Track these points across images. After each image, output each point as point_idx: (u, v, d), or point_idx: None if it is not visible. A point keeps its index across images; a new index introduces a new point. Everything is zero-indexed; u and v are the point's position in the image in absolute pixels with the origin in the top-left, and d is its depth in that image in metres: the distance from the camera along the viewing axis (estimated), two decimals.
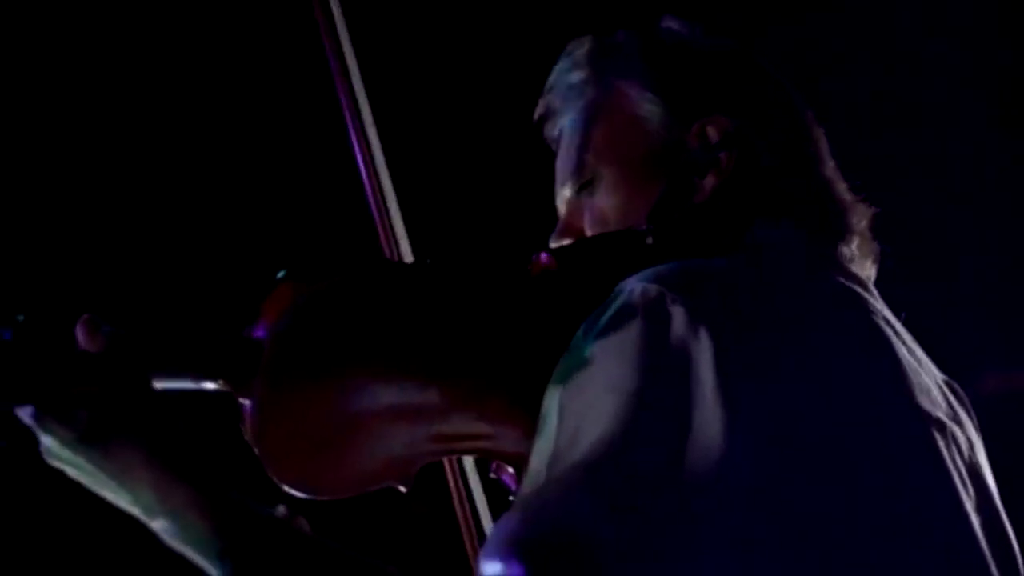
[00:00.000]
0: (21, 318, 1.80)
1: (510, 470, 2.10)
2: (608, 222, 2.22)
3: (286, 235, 4.30)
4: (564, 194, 2.29)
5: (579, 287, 2.08)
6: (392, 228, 2.44)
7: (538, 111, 2.35)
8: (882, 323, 2.03)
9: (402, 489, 2.08)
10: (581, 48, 2.31)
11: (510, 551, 1.73)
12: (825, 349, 1.92)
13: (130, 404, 1.85)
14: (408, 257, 2.46)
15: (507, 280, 2.14)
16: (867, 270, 2.22)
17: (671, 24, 2.31)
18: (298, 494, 2.01)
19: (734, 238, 2.14)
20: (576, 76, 2.30)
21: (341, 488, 2.04)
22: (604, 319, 1.87)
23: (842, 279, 2.09)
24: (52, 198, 4.32)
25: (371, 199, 2.46)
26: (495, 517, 2.46)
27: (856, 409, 1.89)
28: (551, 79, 2.34)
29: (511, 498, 2.09)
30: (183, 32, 4.34)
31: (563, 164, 2.30)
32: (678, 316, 1.83)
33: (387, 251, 2.45)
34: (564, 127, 2.32)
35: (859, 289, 2.08)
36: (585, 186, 2.26)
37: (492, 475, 2.16)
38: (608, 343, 1.85)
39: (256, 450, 1.99)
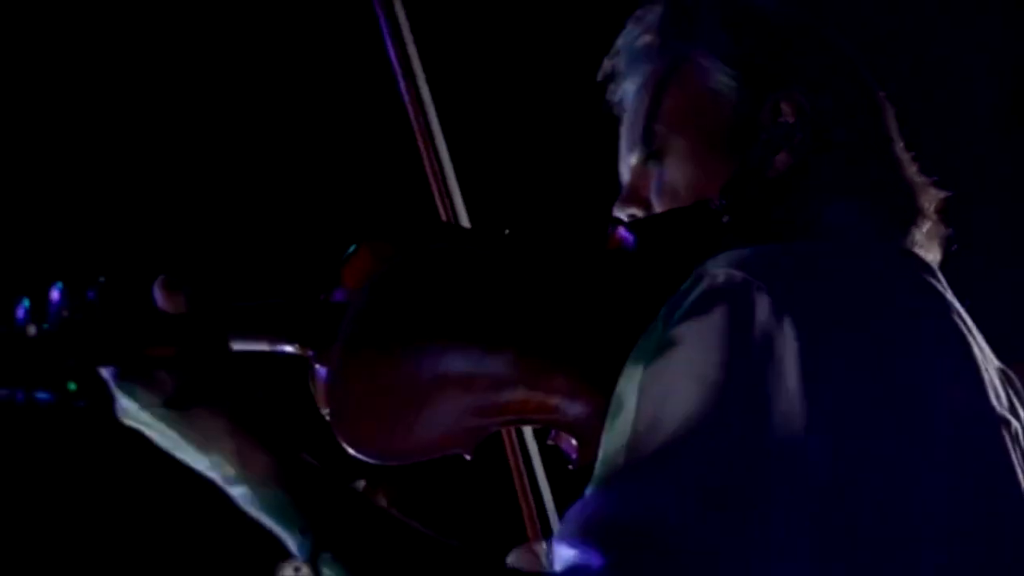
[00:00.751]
0: (103, 279, 1.79)
1: (572, 441, 2.10)
2: (677, 194, 2.21)
3: (349, 201, 4.32)
4: (630, 161, 2.27)
5: (656, 263, 2.08)
6: (451, 198, 2.43)
7: (602, 72, 2.32)
8: (956, 317, 2.02)
9: (467, 457, 2.09)
10: (652, 13, 2.28)
11: (589, 537, 1.75)
12: (907, 345, 1.92)
13: (212, 368, 1.84)
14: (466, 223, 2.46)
15: (584, 253, 2.13)
16: (933, 253, 2.21)
17: None
18: (365, 459, 2.01)
19: (810, 219, 2.13)
20: (645, 40, 2.27)
21: (409, 454, 2.04)
22: (688, 304, 1.85)
23: (918, 269, 2.08)
24: (129, 166, 4.36)
25: (428, 168, 2.45)
26: (552, 485, 2.46)
27: (935, 408, 1.90)
28: (619, 42, 2.30)
29: (570, 466, 2.10)
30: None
31: (630, 131, 2.28)
32: (763, 305, 1.82)
33: (444, 217, 2.45)
34: (629, 92, 2.29)
35: (933, 280, 2.07)
36: (653, 155, 2.23)
37: (551, 442, 2.15)
38: (691, 329, 1.83)
39: (328, 415, 1.99)
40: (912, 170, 2.22)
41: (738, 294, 1.83)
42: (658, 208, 2.23)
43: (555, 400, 2.05)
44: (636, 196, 2.25)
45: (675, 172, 2.21)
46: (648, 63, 2.26)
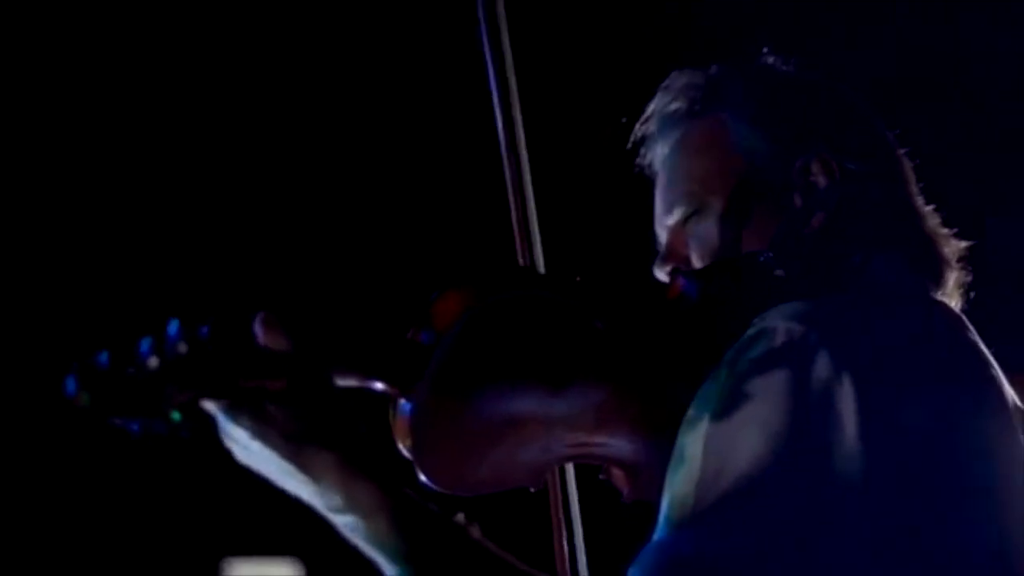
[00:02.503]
0: (213, 318, 1.87)
1: (625, 477, 2.20)
2: (715, 251, 2.30)
3: (428, 240, 4.37)
4: (667, 222, 2.36)
5: (716, 312, 2.17)
6: (532, 244, 2.49)
7: (633, 137, 2.42)
8: (983, 354, 2.13)
9: (532, 489, 2.19)
10: (681, 80, 2.37)
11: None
12: (956, 390, 2.02)
13: (321, 401, 1.91)
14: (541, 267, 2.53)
15: (648, 302, 2.24)
16: (956, 300, 2.31)
17: (769, 58, 2.38)
18: (438, 489, 2.09)
19: (855, 271, 2.23)
20: (676, 106, 2.37)
21: (480, 487, 2.13)
22: (751, 356, 1.96)
23: (956, 319, 2.18)
24: (215, 205, 4.42)
25: (513, 211, 2.50)
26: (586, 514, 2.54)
27: (984, 461, 2.00)
28: (650, 108, 2.40)
29: (623, 500, 2.20)
30: (345, 32, 4.42)
31: (665, 193, 2.37)
32: (822, 359, 1.92)
33: (522, 260, 2.51)
34: (661, 156, 2.39)
35: (967, 330, 2.16)
36: (691, 215, 2.32)
37: (602, 476, 2.25)
38: (755, 381, 1.94)
39: (407, 449, 2.08)
40: (934, 222, 2.32)
41: (798, 349, 1.93)
42: (697, 265, 2.32)
43: (616, 440, 2.15)
44: (675, 255, 2.35)
45: (712, 230, 2.30)
46: (679, 127, 2.36)
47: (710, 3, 4.38)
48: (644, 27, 4.49)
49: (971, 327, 2.17)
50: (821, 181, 2.26)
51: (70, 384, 1.79)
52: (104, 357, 1.80)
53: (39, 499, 4.52)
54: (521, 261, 2.51)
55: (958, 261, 2.32)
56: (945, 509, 1.94)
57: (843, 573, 1.88)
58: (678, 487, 1.94)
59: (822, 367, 1.91)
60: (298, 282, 4.44)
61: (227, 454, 1.93)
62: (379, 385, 2.06)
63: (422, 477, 2.08)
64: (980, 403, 2.04)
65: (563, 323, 2.14)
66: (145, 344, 1.81)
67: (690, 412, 1.99)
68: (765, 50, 2.39)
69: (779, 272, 2.20)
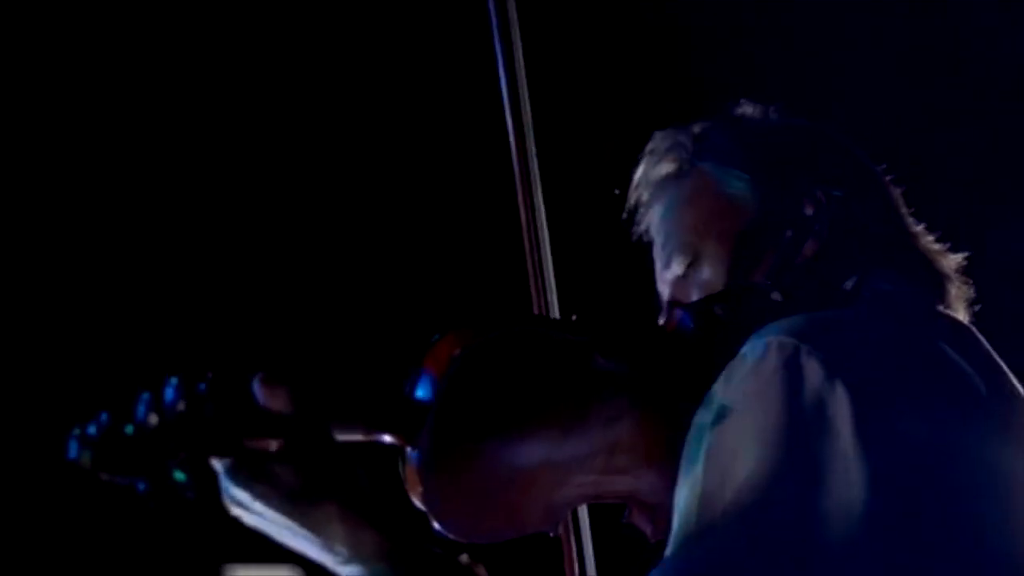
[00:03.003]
0: (210, 374, 1.87)
1: (647, 517, 2.21)
2: (716, 291, 2.33)
3: (438, 285, 4.37)
4: (667, 277, 2.40)
5: (715, 340, 2.18)
6: (545, 285, 2.49)
7: (627, 207, 2.48)
8: (994, 364, 2.14)
9: (551, 534, 2.18)
10: (666, 142, 2.45)
11: None
12: (955, 397, 2.03)
13: (320, 458, 1.90)
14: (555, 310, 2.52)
15: (646, 337, 2.26)
16: (961, 313, 2.34)
17: (746, 107, 2.46)
18: (453, 538, 2.09)
19: (853, 288, 2.27)
20: (666, 170, 2.44)
21: (497, 534, 2.13)
22: (744, 370, 1.99)
23: (960, 329, 2.20)
24: (208, 257, 4.44)
25: (528, 252, 2.51)
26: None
27: (985, 463, 2.00)
28: (637, 176, 2.47)
29: (649, 542, 2.20)
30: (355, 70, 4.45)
31: (664, 250, 2.42)
32: (814, 369, 1.95)
33: (536, 305, 2.51)
34: (656, 219, 2.44)
35: (972, 338, 2.18)
36: (690, 265, 2.37)
37: (625, 521, 2.25)
38: (749, 396, 1.97)
39: (419, 500, 2.07)
40: (927, 239, 2.39)
41: (790, 360, 1.96)
42: None
43: (632, 476, 2.17)
44: (679, 304, 2.38)
45: (712, 272, 2.35)
46: (670, 187, 2.44)
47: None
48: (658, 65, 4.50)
49: (980, 338, 2.19)
50: (809, 212, 2.32)
51: (71, 446, 1.80)
52: (104, 417, 1.81)
53: (39, 503, 4.52)
54: (536, 308, 2.50)
55: (958, 274, 2.36)
56: (947, 515, 1.94)
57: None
58: (684, 504, 1.97)
59: (814, 377, 1.94)
60: (303, 325, 4.44)
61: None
62: (386, 438, 2.06)
63: (436, 526, 2.07)
64: (983, 413, 2.04)
65: (562, 359, 2.15)
66: (143, 402, 1.82)
67: (691, 432, 2.01)
68: (741, 100, 2.47)
69: (775, 296, 2.25)
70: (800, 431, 1.92)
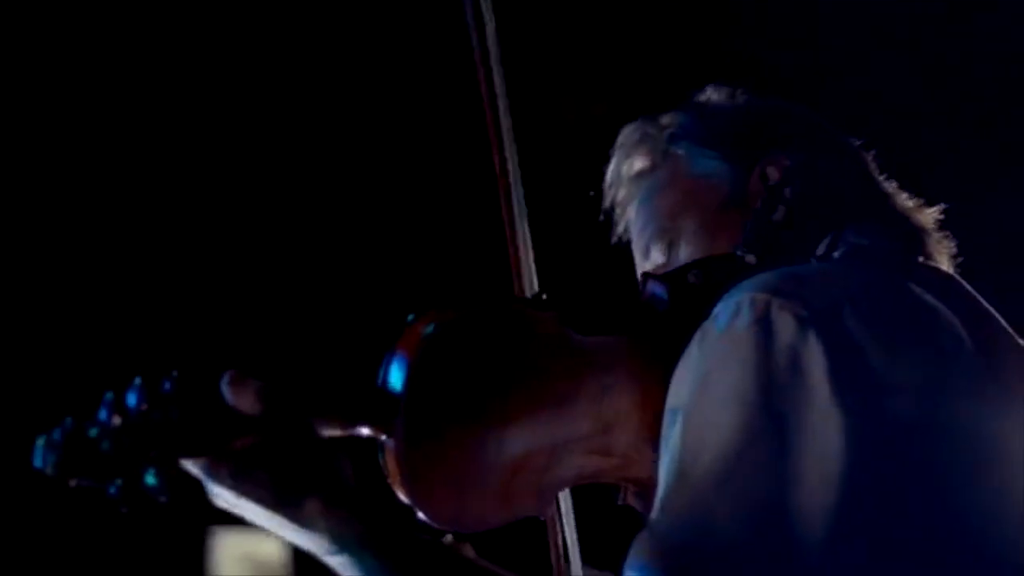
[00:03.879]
0: (175, 373, 1.85)
1: (642, 497, 2.17)
2: None
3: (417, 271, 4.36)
4: (648, 267, 2.42)
5: (690, 307, 2.14)
6: (524, 266, 2.47)
7: (605, 205, 2.52)
8: (982, 312, 2.13)
9: (541, 518, 2.16)
10: (633, 135, 2.50)
11: (651, 561, 1.86)
12: (932, 342, 2.02)
13: (298, 454, 1.90)
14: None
15: (620, 309, 2.23)
16: (945, 266, 2.34)
17: (711, 92, 2.51)
18: (441, 527, 2.06)
19: (830, 244, 2.28)
20: (636, 164, 2.48)
21: (486, 521, 2.09)
22: (716, 330, 1.98)
23: (939, 276, 2.22)
24: (177, 257, 4.43)
25: (509, 239, 2.49)
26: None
27: (965, 409, 1.98)
28: (610, 173, 2.52)
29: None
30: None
31: (642, 240, 2.45)
32: (786, 322, 1.93)
33: (516, 286, 2.48)
34: (633, 214, 2.48)
35: (952, 285, 2.19)
36: (670, 249, 2.40)
37: (620, 502, 2.23)
38: (723, 354, 1.95)
39: (398, 488, 2.05)
40: (902, 197, 2.41)
41: (762, 315, 1.95)
42: None
43: (620, 453, 2.14)
44: (651, 275, 2.36)
45: (689, 248, 2.39)
46: (644, 180, 2.48)
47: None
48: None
49: (966, 287, 2.19)
50: (776, 178, 2.35)
51: (37, 453, 1.78)
52: (68, 421, 1.79)
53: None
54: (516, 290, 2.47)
55: (936, 227, 2.38)
56: (928, 465, 1.93)
57: (826, 533, 1.87)
58: (664, 472, 1.95)
59: (786, 330, 1.93)
60: (279, 318, 4.43)
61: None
62: (363, 430, 2.03)
63: (420, 516, 2.05)
64: (964, 358, 2.02)
65: (534, 336, 2.13)
66: (106, 404, 1.80)
67: (669, 396, 2.00)
68: (708, 85, 2.52)
69: (749, 259, 2.25)
70: (774, 388, 1.90)
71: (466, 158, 2.64)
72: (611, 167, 2.51)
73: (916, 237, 2.36)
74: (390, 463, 2.04)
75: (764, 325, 1.93)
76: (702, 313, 2.04)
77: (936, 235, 2.38)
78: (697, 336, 2.00)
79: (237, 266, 4.53)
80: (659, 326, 2.19)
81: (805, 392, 1.89)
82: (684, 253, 2.37)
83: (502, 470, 2.07)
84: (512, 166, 2.48)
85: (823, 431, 1.88)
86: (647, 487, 2.14)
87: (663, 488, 1.93)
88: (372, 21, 4.44)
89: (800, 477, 1.87)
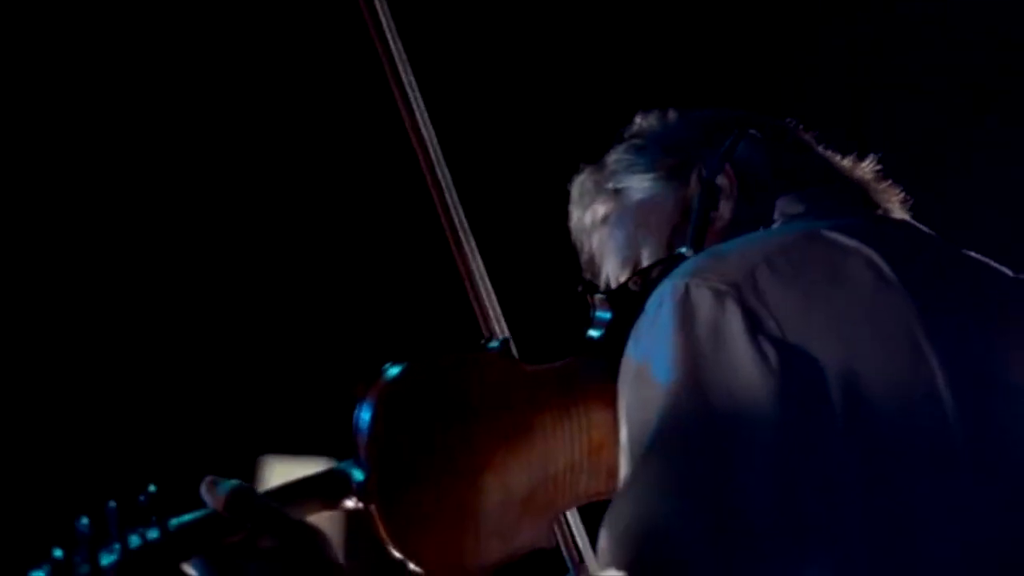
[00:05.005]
0: (153, 488, 1.92)
1: None
2: None
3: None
4: (616, 283, 2.51)
5: (634, 313, 2.15)
6: (487, 300, 2.47)
7: (583, 259, 2.61)
8: (920, 247, 2.22)
9: (547, 547, 2.20)
10: (579, 188, 2.61)
11: (612, 544, 1.93)
12: (845, 281, 2.07)
13: (286, 542, 1.96)
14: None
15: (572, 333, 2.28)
16: (898, 212, 2.45)
17: (642, 120, 2.59)
18: None
19: (766, 223, 2.37)
20: (599, 211, 2.57)
21: (491, 565, 2.12)
22: (643, 319, 2.07)
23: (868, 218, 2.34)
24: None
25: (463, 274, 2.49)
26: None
27: (882, 353, 2.02)
28: (576, 228, 2.62)
29: None
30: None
31: (614, 275, 2.53)
32: (704, 298, 2.01)
33: (483, 326, 2.48)
34: (600, 259, 2.58)
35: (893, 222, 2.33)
36: (632, 269, 2.49)
37: None
38: (650, 338, 2.04)
39: (397, 551, 2.07)
40: (838, 159, 2.51)
41: (682, 298, 2.03)
42: None
43: (615, 473, 2.14)
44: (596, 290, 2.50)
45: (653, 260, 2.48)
46: (602, 226, 2.57)
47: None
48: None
49: (907, 229, 2.29)
50: (716, 178, 2.42)
51: None
52: (58, 554, 1.85)
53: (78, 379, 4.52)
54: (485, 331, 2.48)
55: (877, 176, 2.47)
56: (853, 400, 1.97)
57: (770, 491, 1.92)
58: (622, 463, 2.02)
59: (705, 305, 2.00)
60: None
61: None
62: (347, 504, 2.07)
63: (413, 567, 2.07)
64: (890, 295, 2.06)
65: (483, 375, 2.17)
66: (84, 541, 1.85)
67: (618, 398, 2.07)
68: (638, 113, 2.61)
69: (688, 254, 2.34)
70: (701, 361, 1.97)
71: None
72: (574, 222, 2.61)
73: (855, 192, 2.43)
74: (378, 529, 2.06)
75: (684, 305, 2.01)
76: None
77: (879, 186, 2.46)
78: (632, 333, 2.07)
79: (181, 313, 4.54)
80: (607, 338, 2.26)
81: (726, 354, 1.97)
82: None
83: (497, 511, 2.11)
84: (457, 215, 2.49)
85: (753, 393, 1.94)
86: None
87: (625, 477, 2.00)
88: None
89: (737, 439, 1.92)
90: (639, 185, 2.51)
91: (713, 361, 1.96)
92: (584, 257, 2.60)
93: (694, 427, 1.95)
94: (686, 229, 2.41)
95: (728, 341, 1.97)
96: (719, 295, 2.00)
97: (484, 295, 2.47)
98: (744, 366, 1.95)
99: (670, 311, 2.01)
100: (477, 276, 2.46)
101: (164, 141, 4.47)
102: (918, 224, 2.33)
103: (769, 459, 1.92)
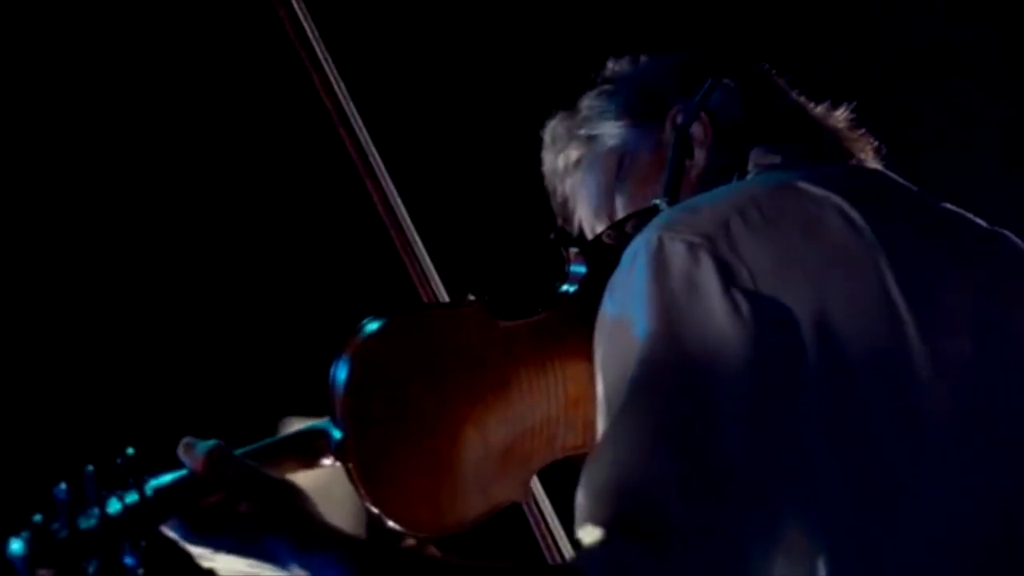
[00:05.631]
0: (131, 451, 1.94)
1: None
2: None
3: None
4: (594, 229, 2.51)
5: (608, 267, 2.15)
6: (429, 280, 2.45)
7: (555, 203, 2.60)
8: (890, 194, 2.23)
9: (523, 503, 2.22)
10: (552, 133, 2.60)
11: (591, 503, 1.92)
12: (814, 229, 2.07)
13: (261, 499, 1.99)
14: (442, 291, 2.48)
15: (544, 286, 2.28)
16: (872, 162, 2.43)
17: (613, 65, 2.57)
18: (427, 536, 2.13)
19: (739, 174, 2.37)
20: (572, 155, 2.55)
21: (466, 520, 2.13)
22: (618, 273, 2.07)
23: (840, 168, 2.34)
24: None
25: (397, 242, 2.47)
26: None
27: (854, 302, 2.02)
28: (549, 172, 2.60)
29: None
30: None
31: (588, 221, 2.54)
32: (678, 251, 2.02)
33: (422, 292, 2.47)
34: (574, 204, 2.57)
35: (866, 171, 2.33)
36: (608, 217, 2.49)
37: None
38: (625, 291, 2.04)
39: (373, 506, 2.09)
40: (812, 106, 2.49)
41: (656, 251, 2.03)
42: None
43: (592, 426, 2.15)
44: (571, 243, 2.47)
45: (625, 211, 2.47)
46: (575, 171, 2.56)
47: None
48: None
49: (877, 177, 2.29)
50: (690, 126, 2.41)
51: (10, 553, 1.86)
52: (36, 520, 1.87)
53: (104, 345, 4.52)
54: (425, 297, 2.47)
55: (850, 125, 2.46)
56: (827, 348, 1.98)
57: (746, 442, 1.92)
58: (599, 417, 2.02)
59: (678, 259, 2.01)
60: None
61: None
62: (324, 462, 2.09)
63: (404, 531, 2.10)
64: (862, 245, 2.06)
65: (460, 331, 2.17)
66: (64, 505, 1.88)
67: (594, 352, 2.07)
68: (608, 58, 2.58)
69: (663, 206, 2.33)
70: (676, 314, 1.97)
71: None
72: (547, 167, 2.60)
73: (829, 140, 2.42)
74: (356, 485, 2.08)
75: (659, 259, 2.01)
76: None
77: (853, 134, 2.45)
78: (607, 287, 2.07)
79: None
80: (582, 292, 2.26)
81: (704, 311, 1.97)
82: (619, 215, 2.46)
83: (475, 466, 2.12)
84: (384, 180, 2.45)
85: (726, 345, 1.95)
86: None
87: (601, 435, 1.99)
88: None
89: (711, 390, 1.93)
90: (611, 131, 2.49)
91: (688, 313, 1.97)
92: (557, 201, 2.59)
93: (669, 379, 1.95)
94: (660, 177, 2.40)
95: (702, 293, 1.98)
96: (693, 247, 2.01)
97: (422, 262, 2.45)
98: (718, 318, 1.96)
99: (644, 264, 2.01)
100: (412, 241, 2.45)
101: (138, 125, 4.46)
102: (891, 174, 2.32)
103: (743, 409, 1.93)
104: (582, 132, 2.52)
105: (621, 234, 2.32)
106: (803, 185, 2.13)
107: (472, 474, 2.13)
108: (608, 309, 2.05)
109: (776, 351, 1.95)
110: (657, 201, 2.35)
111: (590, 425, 2.15)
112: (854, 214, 2.08)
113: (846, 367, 1.97)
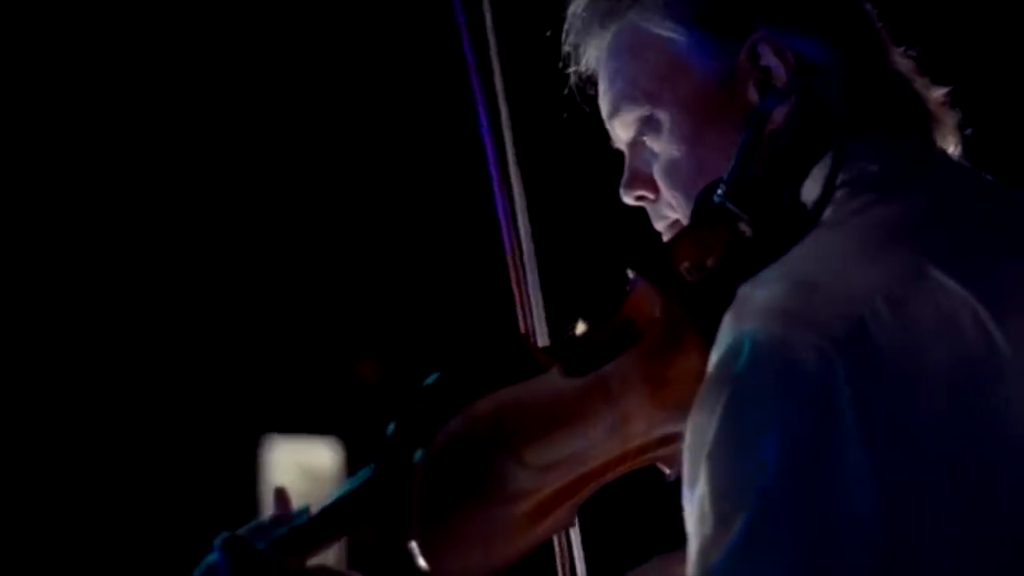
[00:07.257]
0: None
1: (662, 465, 2.07)
2: (680, 173, 2.13)
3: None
4: (622, 136, 2.20)
5: (686, 306, 1.99)
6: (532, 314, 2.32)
7: (565, 42, 2.24)
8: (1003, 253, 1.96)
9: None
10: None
11: None
12: (957, 341, 1.84)
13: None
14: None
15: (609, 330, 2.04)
16: (952, 146, 2.14)
17: None
18: None
19: (830, 174, 1.99)
20: (593, 10, 2.18)
21: (513, 559, 1.98)
22: (737, 368, 1.82)
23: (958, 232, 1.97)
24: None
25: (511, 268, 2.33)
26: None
27: (994, 403, 1.85)
28: (568, 20, 2.23)
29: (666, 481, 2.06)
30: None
31: (606, 98, 2.19)
32: (808, 356, 1.78)
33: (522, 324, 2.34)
34: (592, 60, 2.21)
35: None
36: (643, 133, 2.16)
37: (668, 480, 2.07)
38: (745, 394, 1.81)
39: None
40: (913, 76, 2.14)
41: (782, 351, 1.79)
42: (664, 188, 2.15)
43: (636, 441, 2.00)
44: (639, 177, 2.19)
45: (669, 149, 2.13)
46: (601, 27, 2.17)
47: None
48: None
49: (981, 209, 2.04)
50: (773, 65, 2.06)
51: None
52: None
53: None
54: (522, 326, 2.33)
55: (943, 106, 2.15)
56: (960, 488, 1.82)
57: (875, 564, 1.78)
58: (696, 506, 1.84)
59: (809, 365, 1.78)
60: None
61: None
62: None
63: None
64: (988, 352, 1.86)
65: (536, 397, 1.96)
66: None
67: (687, 436, 1.87)
68: None
69: (743, 228, 2.00)
70: (806, 427, 1.78)
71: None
72: (569, 16, 2.23)
73: (926, 128, 2.11)
74: (419, 561, 1.93)
75: (786, 363, 1.79)
76: (707, 307, 1.92)
77: (946, 118, 2.14)
78: (713, 371, 1.85)
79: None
80: (663, 327, 2.00)
81: (835, 433, 1.78)
82: (661, 150, 2.13)
83: (528, 519, 1.96)
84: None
85: (853, 468, 1.77)
86: (664, 459, 2.04)
87: (700, 523, 1.82)
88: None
89: (840, 519, 1.77)
90: (667, 33, 2.09)
91: (824, 445, 1.77)
92: (567, 40, 2.23)
93: (801, 505, 1.77)
94: (716, 111, 2.07)
95: (837, 416, 1.77)
96: (824, 357, 1.79)
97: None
98: (853, 444, 1.77)
99: (768, 361, 1.80)
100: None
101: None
102: (983, 178, 2.07)
103: (875, 562, 1.77)
104: (633, 15, 2.13)
105: (701, 269, 1.99)
106: (937, 274, 1.86)
107: (532, 514, 1.96)
108: (719, 390, 1.83)
109: (910, 498, 1.79)
110: (719, 194, 2.00)
111: (637, 438, 1.99)
112: (989, 323, 1.85)
113: (991, 511, 1.82)
